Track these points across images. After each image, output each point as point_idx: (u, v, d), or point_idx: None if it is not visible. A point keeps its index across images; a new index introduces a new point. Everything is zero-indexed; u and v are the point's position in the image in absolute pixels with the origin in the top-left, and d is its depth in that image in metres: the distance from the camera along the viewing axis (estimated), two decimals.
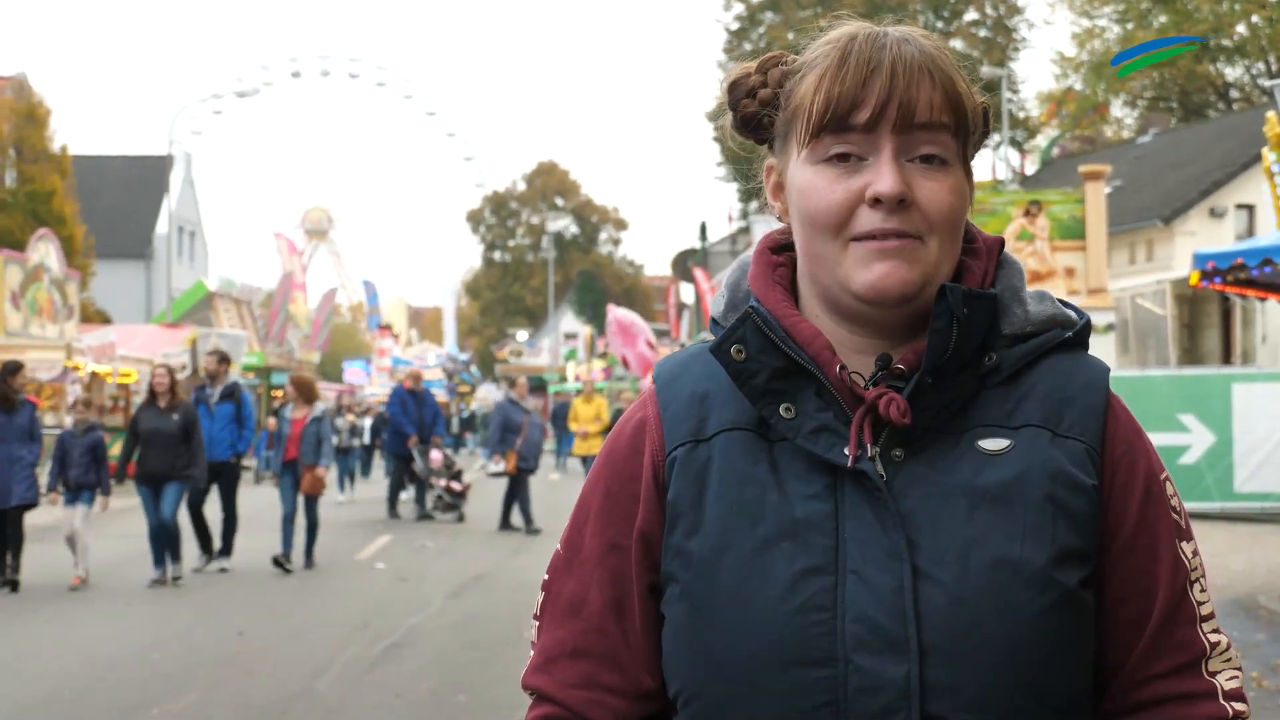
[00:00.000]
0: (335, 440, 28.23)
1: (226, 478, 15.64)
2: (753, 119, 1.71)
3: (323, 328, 56.77)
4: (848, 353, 1.64)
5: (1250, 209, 33.15)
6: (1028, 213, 23.76)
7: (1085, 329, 1.70)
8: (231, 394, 15.78)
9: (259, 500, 17.73)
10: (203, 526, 15.25)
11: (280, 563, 15.18)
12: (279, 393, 44.79)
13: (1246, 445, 17.75)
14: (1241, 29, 47.04)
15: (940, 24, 54.78)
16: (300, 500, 15.65)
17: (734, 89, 1.72)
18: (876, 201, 1.55)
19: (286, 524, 15.42)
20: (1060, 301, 1.71)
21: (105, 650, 10.62)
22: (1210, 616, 1.64)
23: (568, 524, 1.78)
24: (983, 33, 55.05)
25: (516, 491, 20.06)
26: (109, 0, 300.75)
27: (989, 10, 55.48)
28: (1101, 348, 22.38)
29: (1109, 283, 25.50)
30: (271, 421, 25.54)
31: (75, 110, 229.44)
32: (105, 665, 10.05)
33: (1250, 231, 31.99)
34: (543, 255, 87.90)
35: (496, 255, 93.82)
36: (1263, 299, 17.87)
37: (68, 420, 26.61)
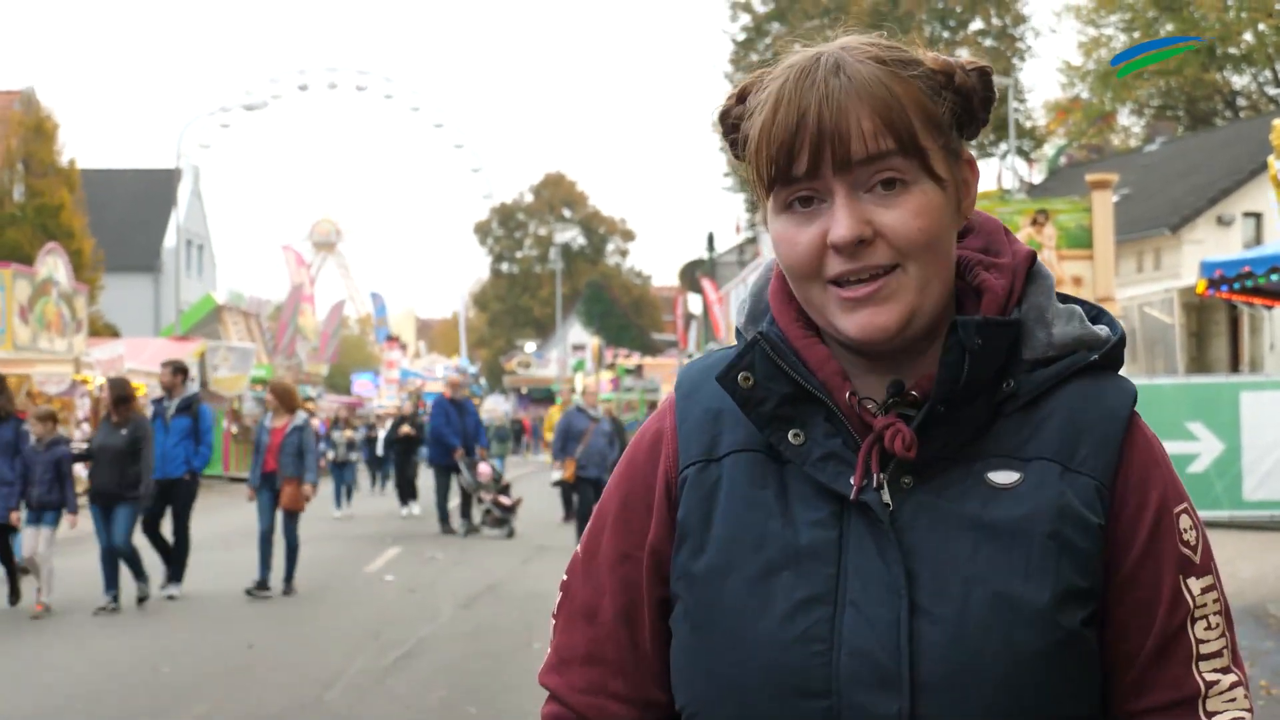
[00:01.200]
0: (332, 454, 27.27)
1: (180, 496, 14.31)
2: (741, 142, 1.66)
3: (331, 340, 56.89)
4: (861, 374, 1.63)
5: (1258, 217, 33.09)
6: (1035, 222, 23.72)
7: (1115, 348, 1.66)
8: (189, 407, 14.52)
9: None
10: (163, 547, 14.24)
11: (253, 593, 14.09)
12: None
13: (1255, 453, 17.71)
14: (1248, 37, 47.05)
15: (946, 33, 54.79)
16: (279, 517, 14.62)
17: (723, 121, 1.69)
18: (838, 248, 1.53)
19: (264, 544, 14.44)
20: (1095, 314, 1.69)
21: (115, 662, 10.64)
22: (1215, 655, 1.59)
23: (588, 527, 1.79)
24: (988, 42, 55.02)
25: (585, 499, 19.62)
26: (117, 14, 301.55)
27: (995, 19, 55.48)
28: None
29: (1117, 291, 25.42)
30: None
31: (83, 124, 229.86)
32: (115, 677, 10.07)
33: (1258, 239, 31.93)
34: (550, 266, 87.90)
35: (504, 267, 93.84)
36: (1270, 307, 17.87)
37: (76, 434, 26.72)
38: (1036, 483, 1.56)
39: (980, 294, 1.64)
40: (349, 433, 28.64)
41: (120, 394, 13.58)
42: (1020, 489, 1.56)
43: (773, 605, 1.56)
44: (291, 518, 14.60)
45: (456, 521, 21.56)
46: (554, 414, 23.53)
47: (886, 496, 1.56)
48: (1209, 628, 1.60)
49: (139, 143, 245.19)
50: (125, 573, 13.37)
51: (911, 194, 1.54)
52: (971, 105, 1.63)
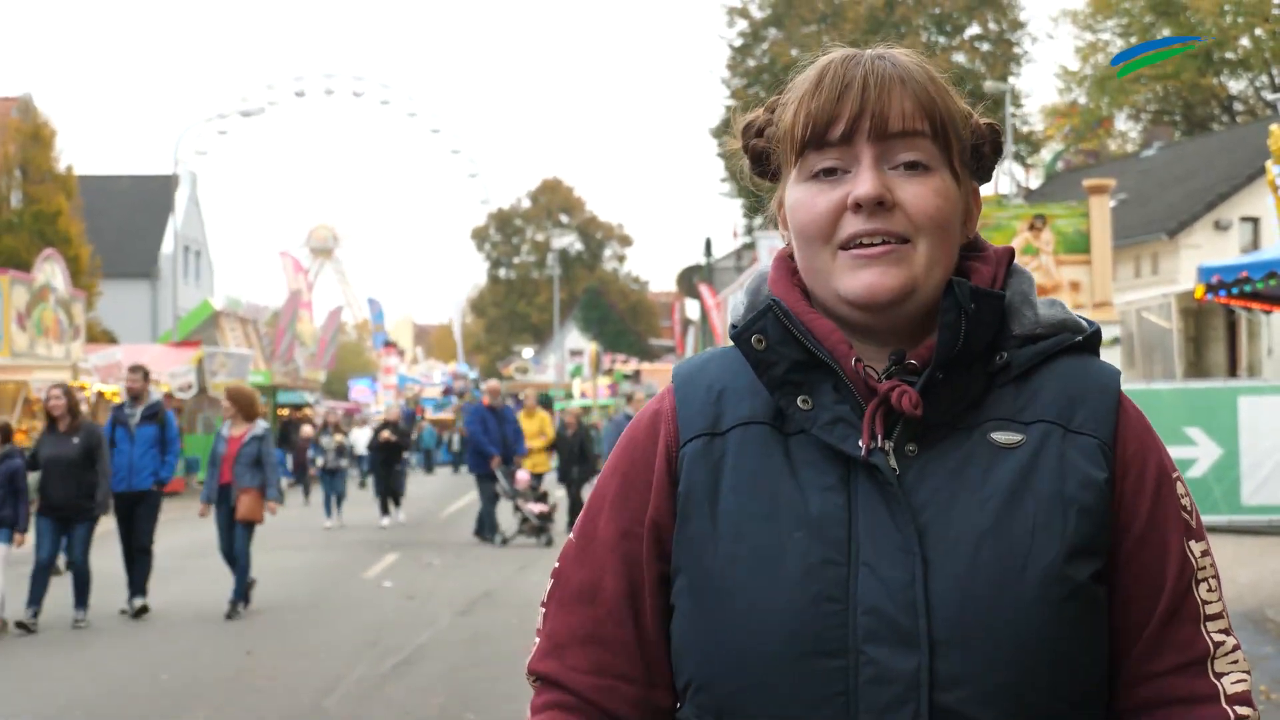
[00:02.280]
0: (321, 461, 26.07)
1: (146, 508, 13.56)
2: (760, 154, 1.76)
3: (329, 346, 56.83)
4: (862, 349, 1.68)
5: (1255, 222, 33.14)
6: (1032, 227, 23.76)
7: (1096, 336, 1.73)
8: (155, 415, 13.64)
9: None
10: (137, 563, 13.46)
11: (233, 614, 13.18)
12: (284, 411, 44.90)
13: (1253, 458, 17.71)
14: (1245, 42, 47.12)
15: (943, 39, 54.83)
16: (236, 530, 13.53)
17: (745, 131, 1.78)
18: (858, 207, 1.61)
19: (230, 563, 13.65)
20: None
21: (114, 670, 10.64)
22: (1217, 616, 1.65)
23: (582, 513, 1.80)
24: (985, 47, 55.10)
25: None
26: (114, 21, 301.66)
27: (991, 25, 55.53)
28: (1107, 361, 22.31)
29: (1114, 296, 25.48)
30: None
31: (81, 130, 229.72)
32: (115, 684, 10.07)
33: (1255, 244, 31.97)
34: (548, 272, 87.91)
35: (502, 272, 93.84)
36: (1268, 311, 17.90)
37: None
38: (1039, 442, 1.62)
39: (966, 277, 1.70)
40: (338, 437, 26.99)
41: (72, 402, 12.96)
42: (1023, 449, 1.62)
43: (786, 569, 1.59)
44: (247, 530, 13.55)
45: (485, 533, 20.84)
46: (521, 421, 22.93)
47: (893, 461, 1.61)
48: (1210, 590, 1.66)
49: (136, 149, 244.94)
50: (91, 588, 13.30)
51: (933, 176, 1.64)
52: (982, 148, 1.74)
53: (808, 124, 1.64)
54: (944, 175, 1.65)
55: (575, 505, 22.07)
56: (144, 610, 13.22)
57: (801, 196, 1.66)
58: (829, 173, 1.64)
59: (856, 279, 1.61)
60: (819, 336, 1.66)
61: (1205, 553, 1.67)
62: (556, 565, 1.80)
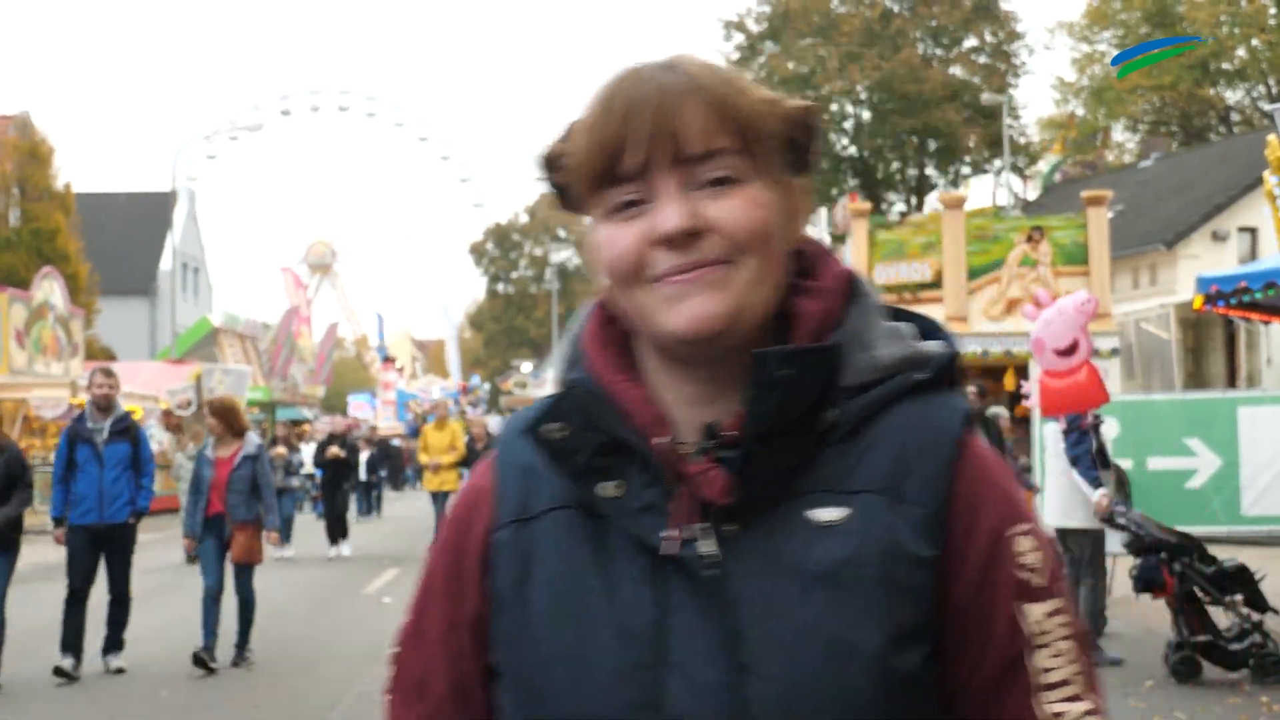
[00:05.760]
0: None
1: (119, 546, 11.36)
2: (564, 189, 1.56)
3: (326, 362, 56.85)
4: (686, 408, 1.51)
5: (1253, 232, 33.17)
6: (1030, 238, 23.79)
7: (947, 365, 1.52)
8: (126, 430, 11.38)
9: None
10: (80, 621, 11.14)
11: (203, 660, 11.16)
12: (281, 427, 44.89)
13: (1253, 468, 17.72)
14: (1242, 52, 47.21)
15: (939, 51, 54.90)
16: (229, 571, 11.67)
17: (545, 166, 1.58)
18: (666, 242, 1.43)
19: (209, 603, 11.41)
20: (932, 330, 1.56)
21: (113, 686, 10.61)
22: (1061, 684, 1.44)
23: (416, 594, 1.69)
24: (982, 59, 55.15)
25: None
26: (111, 39, 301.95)
27: (988, 36, 55.60)
28: (1107, 372, 22.33)
29: (1113, 307, 25.49)
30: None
31: (78, 148, 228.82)
32: (114, 700, 10.05)
33: (1253, 254, 31.99)
34: (546, 286, 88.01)
35: (500, 287, 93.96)
36: (1266, 322, 17.89)
37: None
38: (863, 518, 1.43)
39: (790, 324, 1.51)
40: (280, 450, 23.16)
41: None
42: (846, 525, 1.43)
43: (595, 673, 1.45)
44: (245, 570, 11.72)
45: None
46: (430, 433, 21.39)
47: (708, 547, 1.44)
48: (1056, 655, 1.46)
49: (134, 166, 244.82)
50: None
51: (745, 189, 1.45)
52: (796, 136, 1.52)
53: (597, 157, 1.45)
54: (757, 185, 1.45)
55: None
56: (120, 671, 11.24)
57: (606, 235, 1.47)
58: (631, 204, 1.45)
59: (678, 313, 1.43)
60: (629, 410, 1.49)
61: (1054, 613, 1.46)
62: (395, 649, 1.69)
